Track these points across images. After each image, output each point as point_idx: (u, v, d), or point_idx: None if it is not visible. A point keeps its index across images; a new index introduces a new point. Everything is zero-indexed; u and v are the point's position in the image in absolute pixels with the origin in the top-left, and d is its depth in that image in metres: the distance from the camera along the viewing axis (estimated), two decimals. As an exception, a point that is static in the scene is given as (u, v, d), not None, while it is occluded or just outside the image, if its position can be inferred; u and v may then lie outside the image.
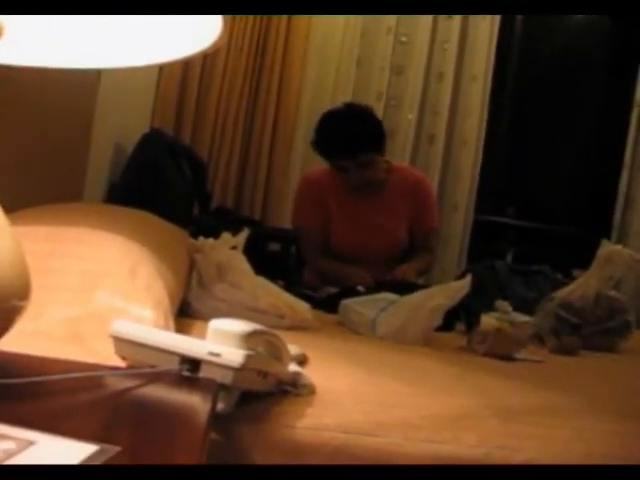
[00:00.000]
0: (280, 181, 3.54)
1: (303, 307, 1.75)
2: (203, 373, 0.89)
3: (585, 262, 2.05)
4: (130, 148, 2.78)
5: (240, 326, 0.96)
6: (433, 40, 3.69)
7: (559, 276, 2.32)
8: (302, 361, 1.24)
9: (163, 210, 1.92)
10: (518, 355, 1.65)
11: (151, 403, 0.81)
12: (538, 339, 1.88)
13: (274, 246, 3.14)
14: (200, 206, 3.07)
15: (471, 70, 3.71)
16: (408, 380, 1.26)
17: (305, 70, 3.57)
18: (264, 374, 0.97)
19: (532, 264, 2.41)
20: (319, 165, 2.65)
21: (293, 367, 1.10)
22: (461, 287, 1.72)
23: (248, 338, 0.94)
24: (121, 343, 0.94)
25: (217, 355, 0.89)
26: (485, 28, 3.68)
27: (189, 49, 0.88)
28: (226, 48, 3.40)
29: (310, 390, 1.08)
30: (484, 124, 3.71)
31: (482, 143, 3.72)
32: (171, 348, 0.91)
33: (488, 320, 1.69)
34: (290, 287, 1.96)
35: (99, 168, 2.57)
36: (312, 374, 1.11)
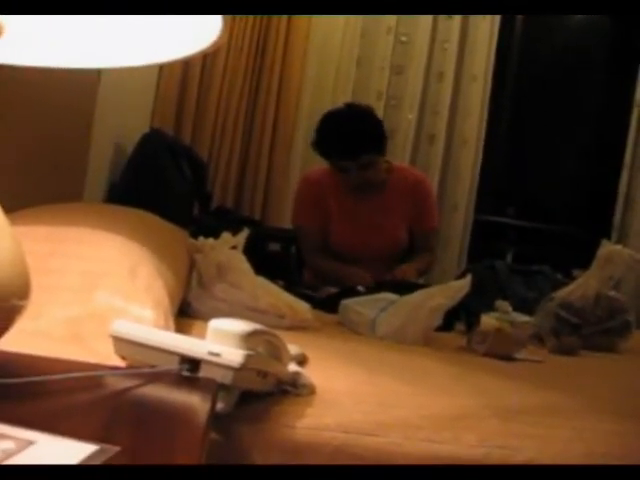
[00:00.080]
0: (280, 181, 3.54)
1: (303, 307, 1.75)
2: (203, 373, 0.89)
3: (585, 262, 2.05)
4: (130, 148, 2.78)
5: (240, 326, 0.96)
6: (433, 40, 3.69)
7: (559, 276, 2.32)
8: (302, 361, 1.24)
9: (163, 210, 1.92)
10: (518, 355, 1.65)
11: (151, 403, 0.81)
12: (538, 339, 1.88)
13: (274, 246, 3.14)
14: (200, 206, 3.07)
15: (471, 70, 3.71)
16: (408, 380, 1.26)
17: (305, 70, 3.57)
18: (264, 374, 0.97)
19: (532, 264, 2.40)
20: (319, 165, 2.65)
21: (293, 367, 1.10)
22: (461, 287, 1.72)
23: (248, 338, 0.94)
24: (121, 343, 0.94)
25: (217, 355, 0.89)
26: (485, 28, 3.68)
27: (189, 49, 0.88)
28: (226, 48, 3.40)
29: (310, 390, 1.08)
30: (484, 124, 3.71)
31: (482, 143, 3.71)
32: (171, 348, 0.91)
33: (488, 320, 1.69)
34: (290, 287, 1.96)
35: (99, 168, 2.57)
36: (312, 374, 1.11)
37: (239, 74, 3.47)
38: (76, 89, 1.92)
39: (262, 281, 1.74)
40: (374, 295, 1.93)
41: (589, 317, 1.94)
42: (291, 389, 1.06)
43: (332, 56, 3.62)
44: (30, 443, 0.59)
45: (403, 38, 3.71)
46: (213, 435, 0.93)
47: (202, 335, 0.97)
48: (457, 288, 1.73)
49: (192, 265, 1.72)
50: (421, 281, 2.55)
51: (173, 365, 0.89)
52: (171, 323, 1.20)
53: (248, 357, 0.90)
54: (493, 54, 3.69)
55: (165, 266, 1.38)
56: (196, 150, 3.26)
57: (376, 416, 1.06)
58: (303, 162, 3.50)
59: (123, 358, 0.95)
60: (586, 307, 1.95)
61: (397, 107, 3.72)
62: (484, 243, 3.83)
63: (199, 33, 0.84)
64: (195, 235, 1.82)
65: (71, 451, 0.59)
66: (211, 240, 1.73)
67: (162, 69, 3.29)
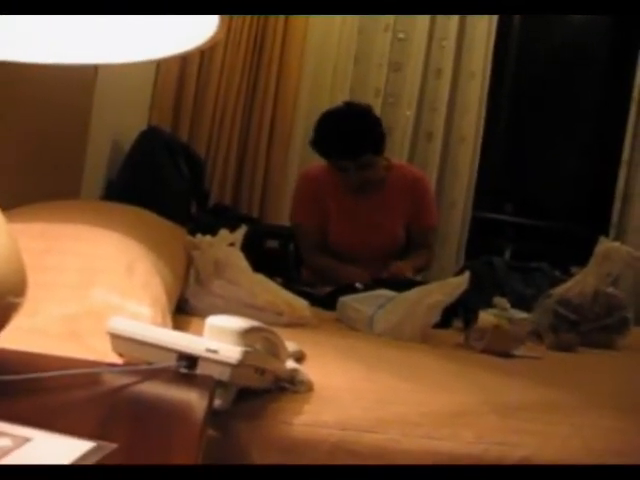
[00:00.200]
0: (278, 178, 3.54)
1: (301, 304, 1.75)
2: (200, 370, 0.88)
3: (583, 259, 2.05)
4: (127, 145, 2.77)
5: (237, 323, 0.96)
6: (431, 37, 3.68)
7: (557, 273, 2.32)
8: (299, 358, 1.24)
9: (161, 208, 1.92)
10: (516, 352, 1.65)
11: (148, 400, 0.81)
12: (536, 336, 1.88)
13: (272, 243, 3.14)
14: (198, 204, 3.06)
15: (469, 67, 3.71)
16: (406, 377, 1.26)
17: (303, 67, 3.56)
18: (261, 371, 0.97)
19: (530, 261, 2.41)
20: (317, 162, 2.65)
21: (291, 364, 1.10)
22: (459, 284, 1.72)
23: (245, 335, 0.94)
24: (118, 340, 0.94)
25: (214, 352, 0.89)
26: (483, 25, 3.67)
27: (186, 45, 0.87)
28: (223, 45, 3.39)
29: (308, 387, 1.08)
30: (482, 121, 3.71)
31: (480, 140, 3.71)
32: (168, 345, 0.91)
33: (486, 317, 1.69)
34: (288, 284, 1.96)
35: (96, 165, 2.56)
36: (310, 371, 1.11)
37: (237, 71, 3.46)
38: (73, 86, 1.91)
39: (260, 278, 1.74)
40: (372, 292, 1.93)
41: (587, 314, 1.94)
42: (289, 386, 1.06)
43: (330, 53, 3.61)
44: (27, 440, 0.59)
45: (401, 35, 3.70)
46: (211, 432, 0.93)
47: (200, 332, 0.97)
48: (455, 285, 1.74)
49: (190, 262, 1.71)
50: (419, 278, 2.55)
51: (171, 362, 0.89)
52: (168, 320, 1.19)
53: (246, 354, 0.89)
54: (491, 51, 3.69)
55: (162, 263, 1.37)
56: (194, 147, 3.25)
57: (375, 412, 1.06)
58: (301, 159, 3.50)
59: (120, 355, 0.95)
60: (584, 304, 1.95)
61: (395, 104, 3.71)
62: (482, 240, 3.83)
63: (196, 29, 0.84)
64: (193, 232, 1.82)
65: (68, 448, 0.59)
66: (209, 237, 1.73)
67: (159, 66, 3.28)
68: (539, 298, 2.01)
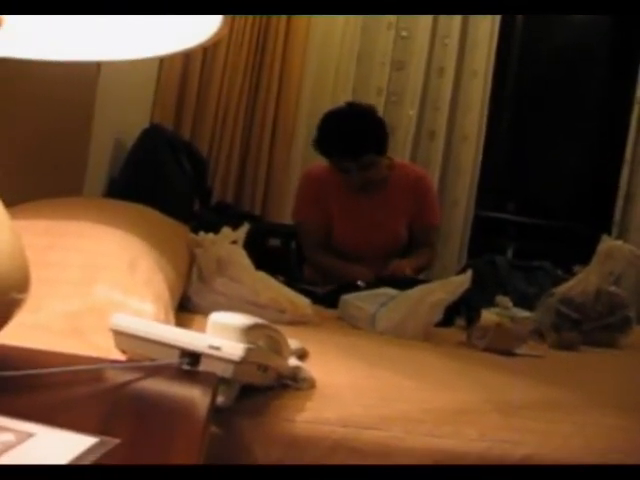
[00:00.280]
0: (280, 176, 3.54)
1: (303, 302, 1.75)
2: (203, 367, 0.88)
3: (585, 258, 2.05)
4: (130, 143, 2.77)
5: (240, 319, 0.96)
6: (434, 35, 3.68)
7: (559, 272, 2.32)
8: (302, 355, 1.24)
9: (163, 205, 1.92)
10: (518, 350, 1.65)
11: (151, 396, 0.81)
12: (538, 334, 1.88)
13: (274, 241, 3.14)
14: (200, 201, 3.06)
15: (472, 66, 3.70)
16: (409, 374, 1.26)
17: (305, 65, 3.56)
18: (264, 368, 0.97)
19: (532, 260, 2.40)
20: (320, 160, 2.64)
21: (293, 361, 1.10)
22: (461, 282, 1.72)
23: (248, 332, 0.94)
24: (121, 337, 0.94)
25: (217, 348, 0.89)
26: (486, 24, 3.67)
27: (189, 42, 0.87)
28: (226, 43, 3.39)
29: (310, 384, 1.08)
30: (485, 120, 3.71)
31: (482, 139, 3.71)
32: (171, 341, 0.91)
33: (488, 315, 1.69)
34: (290, 283, 1.95)
35: (99, 163, 2.56)
36: (312, 368, 1.11)
37: (239, 69, 3.46)
38: (75, 83, 1.91)
39: (262, 276, 1.74)
40: (374, 290, 1.93)
41: (589, 313, 1.94)
42: (291, 383, 1.06)
43: (332, 51, 3.61)
44: (30, 435, 0.59)
45: (404, 33, 3.70)
46: (213, 429, 0.93)
47: (202, 330, 0.97)
48: (457, 283, 1.73)
49: (192, 260, 1.71)
50: (421, 276, 2.55)
51: (173, 359, 0.89)
52: (171, 317, 1.20)
53: (249, 351, 0.89)
54: (494, 49, 3.68)
55: (165, 260, 1.37)
56: (196, 145, 3.25)
57: (377, 410, 1.06)
58: (303, 157, 3.50)
59: (123, 352, 0.95)
60: (586, 303, 1.95)
61: (398, 103, 3.71)
62: (484, 239, 3.83)
63: (199, 26, 0.84)
64: (195, 230, 1.82)
65: (71, 443, 0.59)
66: (211, 235, 1.73)
67: (162, 64, 3.28)
68: (541, 297, 2.01)
